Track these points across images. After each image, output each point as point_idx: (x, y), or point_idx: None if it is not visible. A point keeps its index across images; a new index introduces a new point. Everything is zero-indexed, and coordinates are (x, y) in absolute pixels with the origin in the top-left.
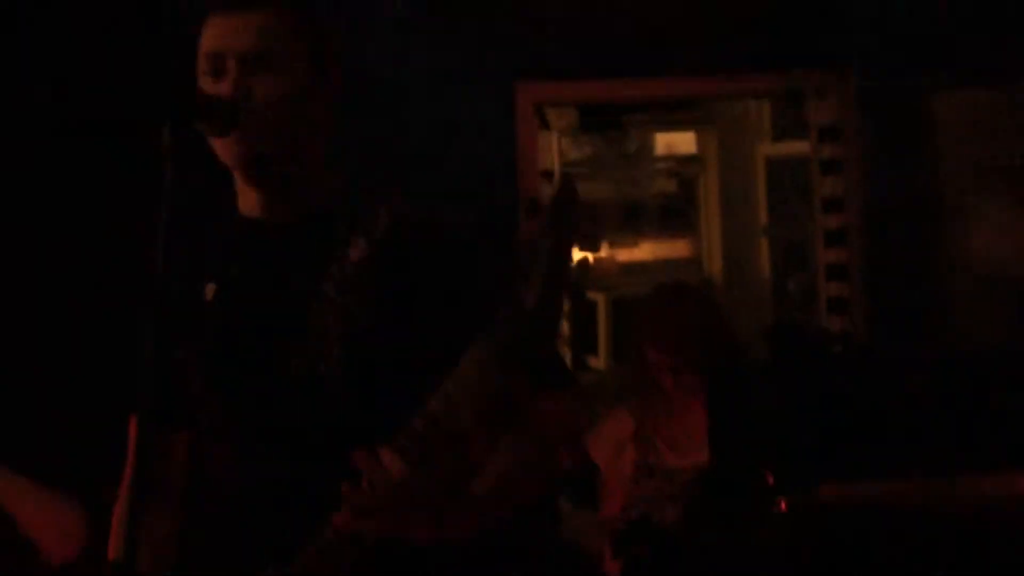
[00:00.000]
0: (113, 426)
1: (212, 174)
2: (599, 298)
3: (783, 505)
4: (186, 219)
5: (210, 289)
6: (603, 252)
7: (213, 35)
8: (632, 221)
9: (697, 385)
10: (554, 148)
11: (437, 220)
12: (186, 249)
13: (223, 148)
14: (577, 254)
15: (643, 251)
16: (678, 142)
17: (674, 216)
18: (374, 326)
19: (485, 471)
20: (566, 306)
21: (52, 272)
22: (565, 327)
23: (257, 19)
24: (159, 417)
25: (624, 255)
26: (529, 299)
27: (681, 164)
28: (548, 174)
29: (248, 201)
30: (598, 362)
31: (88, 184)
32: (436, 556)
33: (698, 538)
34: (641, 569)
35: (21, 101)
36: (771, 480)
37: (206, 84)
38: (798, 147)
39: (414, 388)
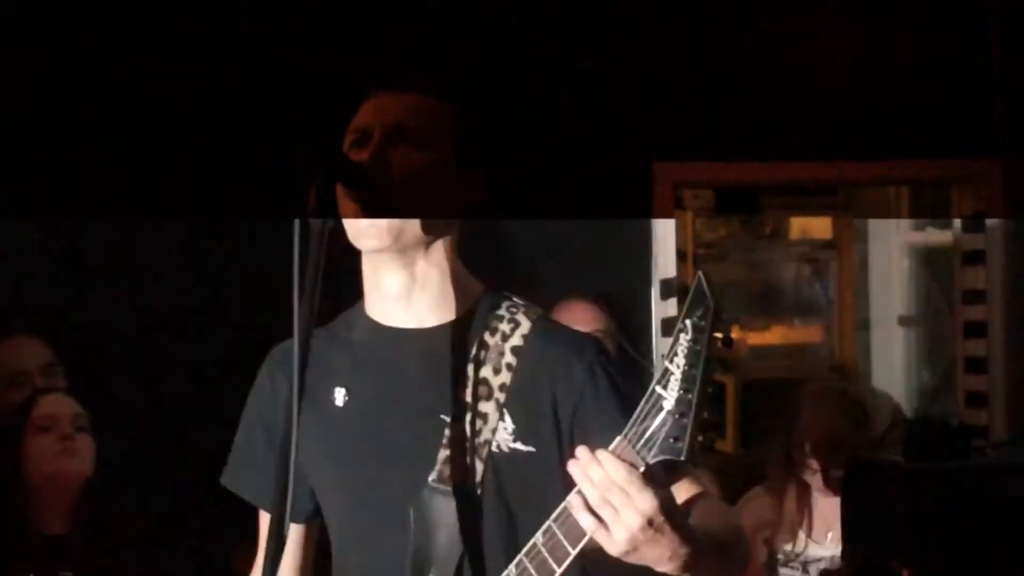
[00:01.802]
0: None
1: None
2: (728, 381)
3: None
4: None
5: (340, 394)
6: (734, 334)
7: (364, 112)
8: (764, 304)
9: (835, 478)
10: (688, 229)
11: (571, 330)
12: (318, 351)
13: (354, 215)
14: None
15: (774, 335)
16: (813, 226)
17: (807, 301)
18: (513, 435)
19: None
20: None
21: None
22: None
23: (409, 99)
24: (286, 516)
25: (755, 338)
26: (668, 397)
27: (816, 249)
28: (681, 254)
29: (378, 304)
30: (725, 445)
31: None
32: None
33: None
34: None
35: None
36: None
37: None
38: (938, 236)
39: (555, 494)
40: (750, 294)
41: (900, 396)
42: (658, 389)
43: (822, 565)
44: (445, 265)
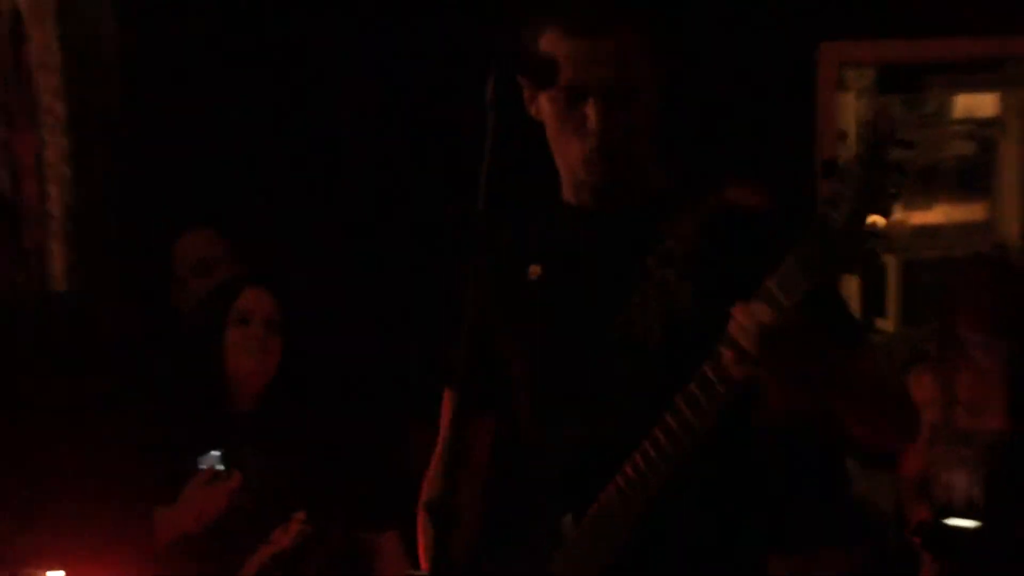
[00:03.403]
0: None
1: (533, 161)
2: (890, 260)
3: None
4: (512, 201)
5: (534, 270)
6: (896, 215)
7: (569, 62)
8: (927, 184)
9: (1000, 350)
10: (851, 109)
11: (757, 208)
12: (511, 233)
13: (579, 160)
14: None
15: (937, 214)
16: (979, 104)
17: (971, 179)
18: (692, 299)
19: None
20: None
21: (377, 244)
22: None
23: (610, 45)
24: (473, 396)
25: (917, 218)
26: (837, 219)
27: (981, 127)
28: (844, 136)
29: (575, 191)
30: (886, 324)
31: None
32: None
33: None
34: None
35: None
36: None
37: None
38: None
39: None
40: (913, 173)
41: None
42: (828, 211)
43: (986, 439)
44: (641, 159)
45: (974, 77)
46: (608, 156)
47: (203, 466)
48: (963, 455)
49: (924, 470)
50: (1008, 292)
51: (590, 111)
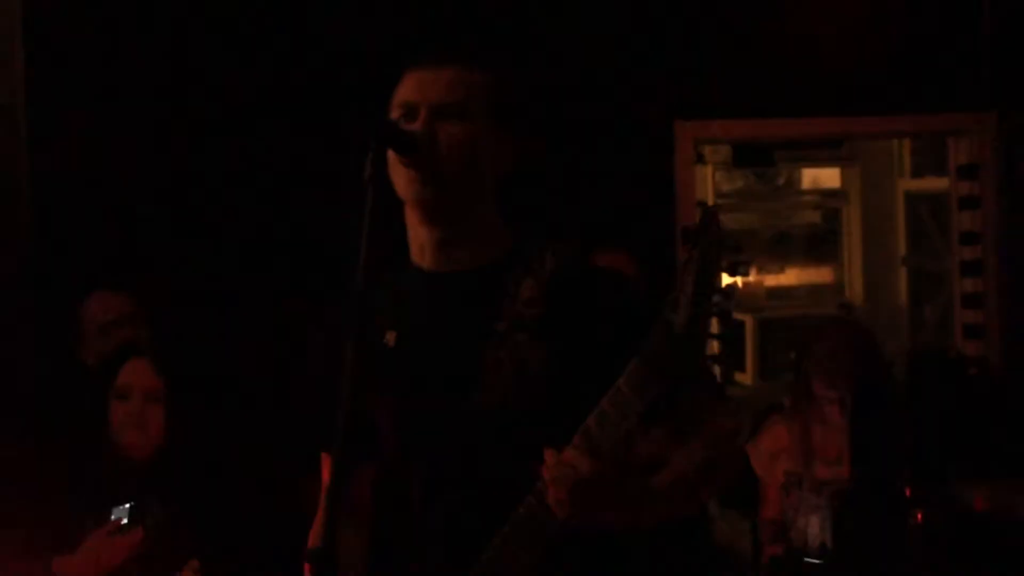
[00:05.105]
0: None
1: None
2: (747, 319)
3: (919, 516)
4: (374, 273)
5: (391, 336)
6: (752, 277)
7: (409, 88)
8: (779, 249)
9: (848, 406)
10: (709, 181)
11: (595, 266)
12: (372, 299)
13: (405, 181)
14: (727, 279)
15: (789, 277)
16: (824, 177)
17: (818, 245)
18: (544, 360)
19: (663, 470)
20: (713, 328)
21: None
22: (714, 346)
23: (447, 74)
24: (351, 451)
25: (771, 280)
26: (678, 321)
27: (826, 197)
28: (703, 204)
29: (421, 252)
30: (745, 378)
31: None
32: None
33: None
34: None
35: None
36: (909, 492)
37: None
38: (936, 183)
39: (579, 414)
40: (766, 240)
41: (904, 330)
42: (668, 313)
43: (834, 487)
44: (482, 216)
45: (819, 152)
46: (431, 169)
47: (114, 516)
48: (815, 502)
49: (780, 514)
50: (856, 352)
51: (418, 124)
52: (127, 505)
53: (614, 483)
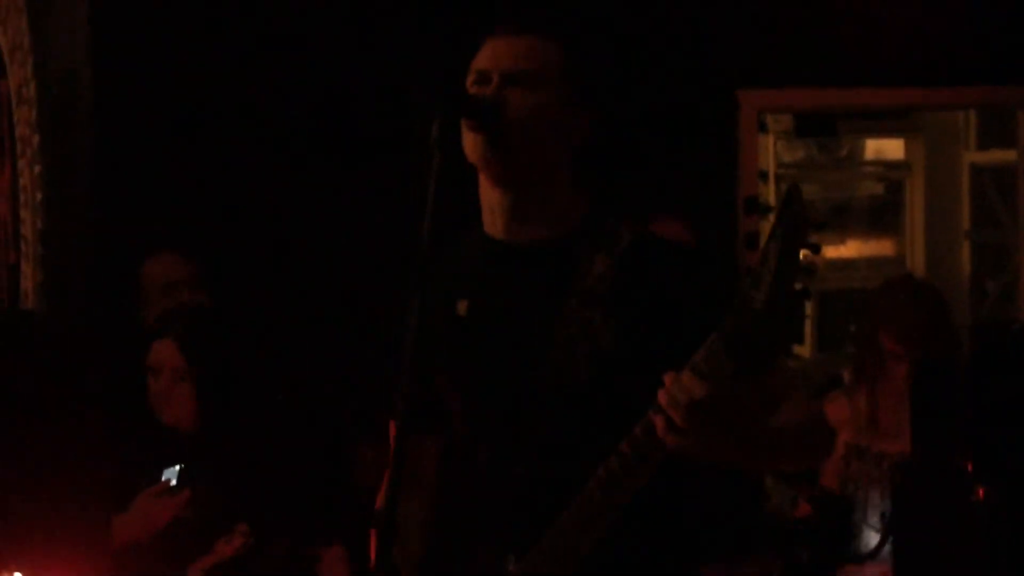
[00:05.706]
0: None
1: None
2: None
3: (980, 493)
4: (441, 239)
5: (463, 305)
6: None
7: (484, 55)
8: (840, 221)
9: (917, 367)
10: (770, 151)
11: (668, 240)
12: (441, 267)
13: (472, 145)
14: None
15: (849, 249)
16: (887, 148)
17: (880, 217)
18: (616, 337)
19: (776, 414)
20: (806, 309)
21: (318, 279)
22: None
23: (524, 42)
24: (416, 422)
25: (831, 252)
26: (758, 299)
27: (889, 169)
28: (763, 175)
29: (493, 219)
30: (804, 351)
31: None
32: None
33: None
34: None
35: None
36: (970, 468)
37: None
38: (1002, 155)
39: (650, 391)
40: (827, 211)
41: (966, 304)
42: (750, 291)
43: (895, 459)
44: (555, 187)
45: (883, 123)
46: (498, 134)
47: (164, 478)
48: (872, 475)
49: (838, 487)
50: (929, 313)
51: (488, 90)
52: (176, 467)
53: (729, 411)
